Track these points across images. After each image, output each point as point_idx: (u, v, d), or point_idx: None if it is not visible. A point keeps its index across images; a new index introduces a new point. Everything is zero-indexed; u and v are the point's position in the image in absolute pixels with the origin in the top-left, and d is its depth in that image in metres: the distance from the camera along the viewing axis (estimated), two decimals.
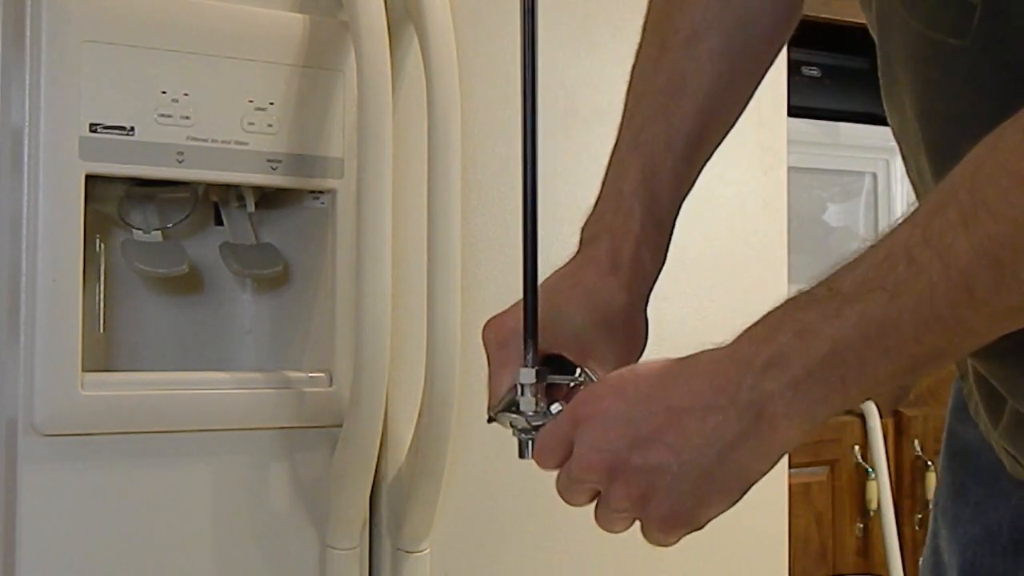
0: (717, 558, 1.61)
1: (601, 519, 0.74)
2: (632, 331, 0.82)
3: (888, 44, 0.73)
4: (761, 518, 1.66)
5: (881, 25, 0.73)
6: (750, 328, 0.68)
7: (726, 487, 0.70)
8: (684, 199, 0.87)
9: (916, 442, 2.26)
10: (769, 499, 1.67)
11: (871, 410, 2.20)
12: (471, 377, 1.34)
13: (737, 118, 0.89)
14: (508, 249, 1.46)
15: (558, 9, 1.51)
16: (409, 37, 1.38)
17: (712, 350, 0.70)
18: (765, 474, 0.70)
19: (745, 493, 0.71)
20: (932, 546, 0.87)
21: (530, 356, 0.75)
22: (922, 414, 2.24)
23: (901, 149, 0.77)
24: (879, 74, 0.76)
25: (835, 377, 0.64)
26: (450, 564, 1.42)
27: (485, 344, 0.80)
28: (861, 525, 2.21)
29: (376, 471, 1.35)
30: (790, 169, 1.71)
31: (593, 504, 0.73)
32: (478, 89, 1.44)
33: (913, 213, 0.63)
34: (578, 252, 0.83)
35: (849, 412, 2.21)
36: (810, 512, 2.14)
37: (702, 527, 0.72)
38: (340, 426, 1.34)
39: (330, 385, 1.35)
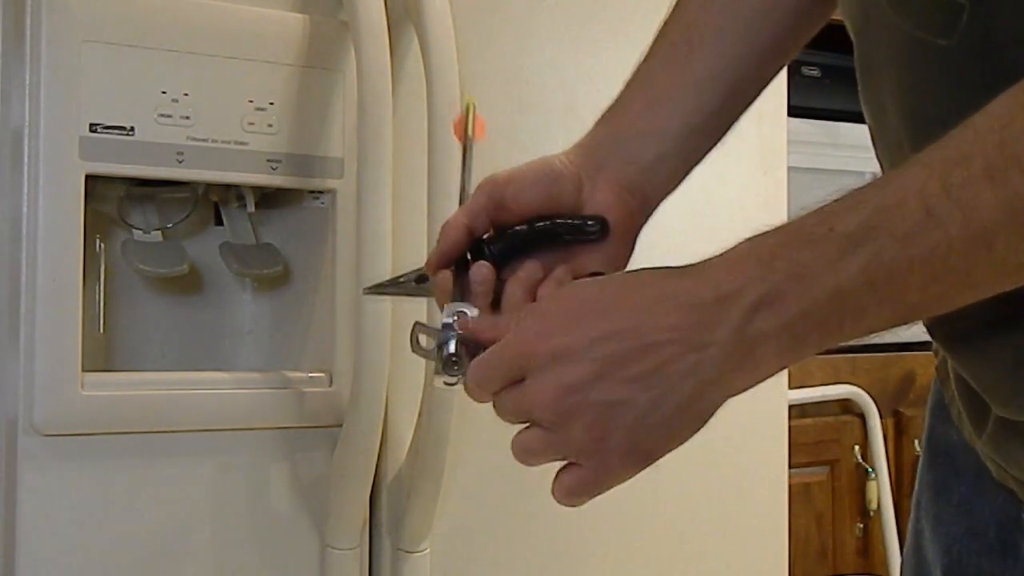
0: (717, 559, 1.61)
1: (524, 451, 0.70)
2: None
3: (871, 43, 0.73)
4: (761, 518, 1.66)
5: (864, 24, 0.73)
6: (727, 258, 0.65)
7: (697, 419, 0.67)
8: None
9: (916, 442, 2.26)
10: (769, 499, 1.67)
11: (871, 410, 2.21)
12: None
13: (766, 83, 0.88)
14: None
15: (558, 8, 1.51)
16: (409, 37, 1.38)
17: (680, 275, 0.66)
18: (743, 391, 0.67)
19: (709, 420, 0.68)
20: (914, 545, 0.87)
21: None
22: (922, 414, 2.24)
23: (876, 147, 0.77)
24: (857, 73, 0.76)
25: (833, 321, 0.62)
26: (450, 564, 1.42)
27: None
28: (861, 525, 2.21)
29: (376, 471, 1.35)
30: (790, 169, 1.71)
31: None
32: (478, 89, 1.44)
33: (926, 156, 0.60)
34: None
35: (849, 412, 2.22)
36: (810, 512, 2.14)
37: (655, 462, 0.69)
38: (340, 426, 1.34)
39: (330, 385, 1.35)
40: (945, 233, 0.58)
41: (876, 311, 0.62)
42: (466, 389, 0.72)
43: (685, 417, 0.66)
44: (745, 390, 0.67)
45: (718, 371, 0.65)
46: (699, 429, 0.68)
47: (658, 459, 0.69)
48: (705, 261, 0.66)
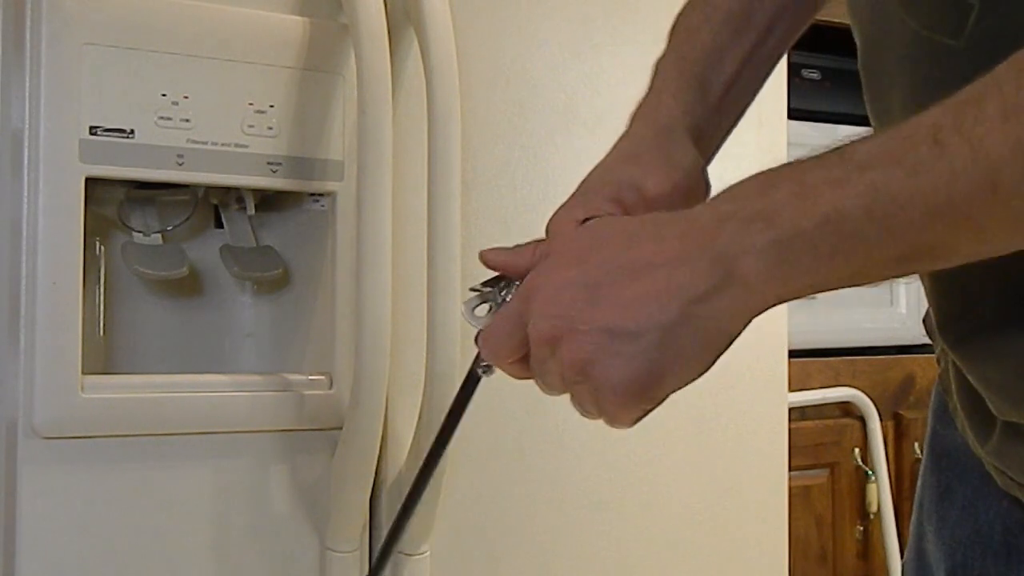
0: (717, 561, 1.61)
1: (542, 386, 0.70)
2: (662, 152, 0.81)
3: (880, 43, 0.73)
4: (761, 521, 1.66)
5: (873, 24, 0.73)
6: (738, 185, 0.65)
7: (690, 351, 0.65)
8: (733, 77, 0.86)
9: (916, 445, 2.26)
10: (769, 502, 1.67)
11: (871, 412, 2.21)
12: None
13: (803, 15, 0.88)
14: None
15: (558, 12, 1.51)
16: (409, 39, 1.38)
17: (684, 210, 0.66)
18: (732, 340, 0.65)
19: (711, 364, 0.66)
20: (916, 548, 0.86)
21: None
22: (922, 416, 2.24)
23: None
24: (861, 75, 0.76)
25: (826, 246, 0.60)
26: (450, 566, 1.42)
27: (548, 233, 0.79)
28: (861, 528, 2.21)
29: (376, 473, 1.34)
30: None
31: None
32: (478, 90, 1.44)
33: (944, 102, 0.59)
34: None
35: (849, 415, 2.21)
36: (810, 515, 2.14)
37: (660, 401, 0.67)
38: (340, 428, 1.34)
39: (330, 387, 1.35)
40: (951, 166, 0.57)
41: (872, 244, 0.60)
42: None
43: (674, 347, 0.64)
44: (737, 327, 0.65)
45: (702, 289, 0.63)
46: (697, 371, 0.66)
47: (659, 399, 0.67)
48: (714, 195, 0.66)
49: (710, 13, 0.87)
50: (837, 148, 0.62)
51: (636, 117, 0.86)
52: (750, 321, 0.65)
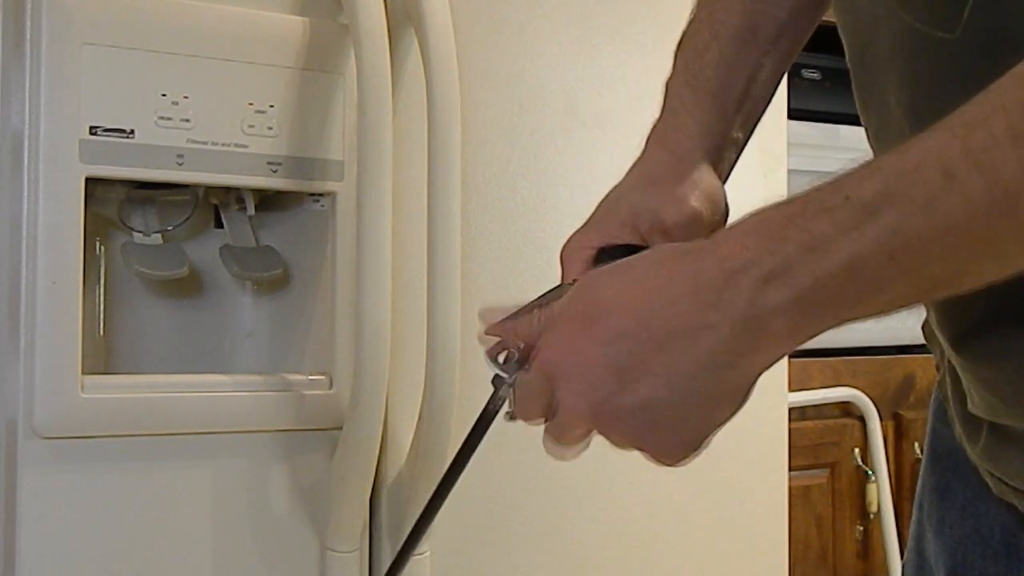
0: (717, 561, 1.61)
1: (550, 444, 0.72)
2: (684, 179, 0.81)
3: (873, 38, 0.72)
4: (761, 521, 1.66)
5: (865, 19, 0.73)
6: (734, 232, 0.63)
7: (728, 400, 0.66)
8: (746, 94, 0.86)
9: (916, 445, 2.26)
10: (769, 502, 1.67)
11: (871, 412, 2.21)
12: (471, 379, 1.34)
13: (804, 27, 0.89)
14: (508, 250, 1.46)
15: (558, 12, 1.51)
16: (409, 39, 1.38)
17: (685, 254, 0.65)
18: (766, 369, 0.66)
19: (747, 398, 0.66)
20: (916, 548, 0.86)
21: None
22: (922, 417, 2.23)
23: (874, 144, 0.76)
24: (853, 71, 0.76)
25: (849, 294, 0.60)
26: (450, 567, 1.42)
27: (562, 259, 0.80)
28: (861, 528, 2.21)
29: (376, 474, 1.34)
30: (790, 172, 1.71)
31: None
32: (478, 90, 1.44)
33: (946, 122, 0.58)
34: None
35: (849, 415, 2.22)
36: (810, 515, 2.14)
37: (709, 443, 0.69)
38: (340, 428, 1.34)
39: (330, 387, 1.35)
40: (966, 198, 0.55)
41: (896, 284, 0.59)
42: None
43: (712, 404, 0.65)
44: (770, 366, 0.65)
45: (731, 353, 0.63)
46: (740, 405, 0.66)
47: (706, 443, 0.68)
48: (713, 237, 0.65)
49: (717, 30, 0.87)
50: (835, 183, 0.60)
51: (652, 140, 0.86)
52: (779, 359, 0.66)
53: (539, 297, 0.76)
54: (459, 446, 0.79)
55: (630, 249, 0.77)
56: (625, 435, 0.67)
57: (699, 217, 0.81)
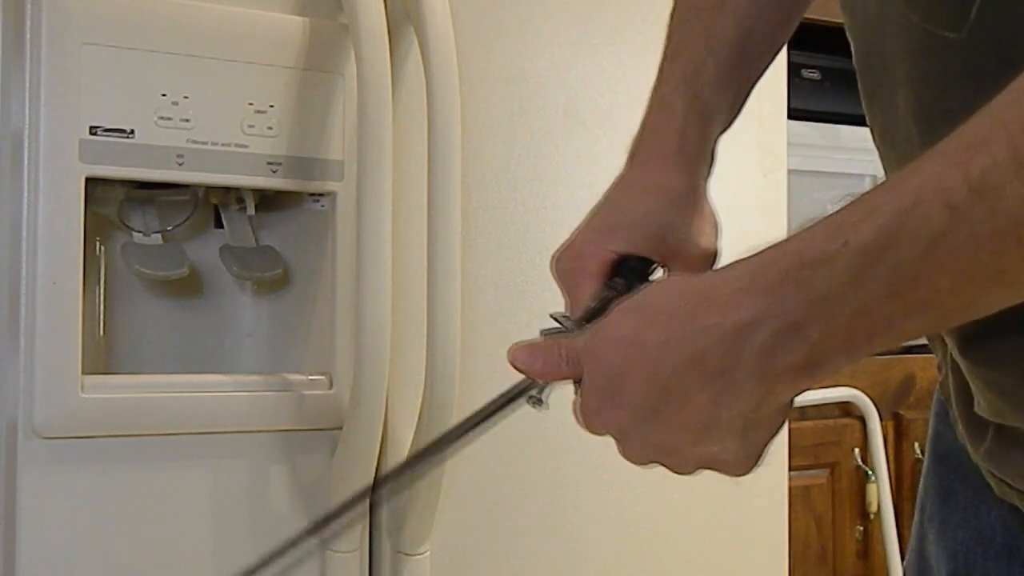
0: (717, 561, 1.61)
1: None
2: (701, 210, 0.82)
3: (880, 38, 0.72)
4: (761, 521, 1.66)
5: (872, 19, 0.73)
6: (730, 281, 0.63)
7: (765, 430, 0.67)
8: (732, 110, 0.86)
9: (916, 445, 2.26)
10: (769, 502, 1.67)
11: (871, 412, 2.20)
12: (471, 379, 1.34)
13: (781, 40, 0.88)
14: (508, 250, 1.46)
15: (558, 12, 1.51)
16: (409, 39, 1.38)
17: (693, 299, 0.64)
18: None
19: (787, 416, 0.68)
20: (917, 550, 0.86)
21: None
22: (922, 417, 2.24)
23: (880, 144, 0.76)
24: (859, 71, 0.76)
25: (862, 337, 0.59)
26: (450, 567, 1.42)
27: (560, 276, 0.80)
28: (861, 528, 2.21)
29: (376, 473, 1.34)
30: (790, 172, 1.71)
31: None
32: (478, 90, 1.44)
33: (942, 147, 0.56)
34: (625, 167, 0.84)
35: (849, 415, 2.22)
36: (810, 515, 2.14)
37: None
38: (340, 428, 1.34)
39: (330, 387, 1.35)
40: (971, 231, 0.54)
41: (907, 320, 0.59)
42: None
43: (742, 442, 0.67)
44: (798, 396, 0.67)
45: (754, 402, 0.64)
46: (774, 435, 0.68)
47: (743, 473, 0.70)
48: (710, 281, 0.65)
49: (713, 45, 0.87)
50: (832, 225, 0.59)
51: (659, 154, 0.83)
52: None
53: (559, 322, 0.76)
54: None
55: (646, 262, 0.81)
56: (658, 458, 0.69)
57: (715, 255, 0.83)
